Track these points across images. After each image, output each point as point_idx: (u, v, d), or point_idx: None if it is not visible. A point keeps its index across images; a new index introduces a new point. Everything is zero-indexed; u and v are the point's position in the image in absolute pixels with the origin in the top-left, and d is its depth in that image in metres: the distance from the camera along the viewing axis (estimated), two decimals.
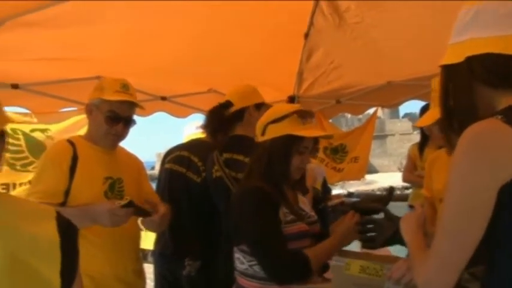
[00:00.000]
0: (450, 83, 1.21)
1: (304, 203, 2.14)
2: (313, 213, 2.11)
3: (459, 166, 1.09)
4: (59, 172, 2.16)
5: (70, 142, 2.29)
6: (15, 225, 1.07)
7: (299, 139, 1.96)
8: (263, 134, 2.03)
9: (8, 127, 3.47)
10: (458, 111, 1.19)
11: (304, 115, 2.02)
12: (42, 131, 3.50)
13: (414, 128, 46.79)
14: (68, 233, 1.08)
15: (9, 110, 3.56)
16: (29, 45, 2.89)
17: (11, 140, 3.38)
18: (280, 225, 1.90)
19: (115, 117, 2.27)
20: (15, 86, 3.29)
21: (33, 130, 3.51)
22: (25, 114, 3.61)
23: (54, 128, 3.62)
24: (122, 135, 2.35)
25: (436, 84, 1.66)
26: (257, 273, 1.92)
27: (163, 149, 27.13)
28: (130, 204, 2.07)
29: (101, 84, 2.35)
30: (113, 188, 2.27)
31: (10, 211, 1.10)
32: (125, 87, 2.30)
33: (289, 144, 1.96)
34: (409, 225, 1.42)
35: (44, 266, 1.02)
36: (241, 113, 2.63)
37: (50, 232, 1.04)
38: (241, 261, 1.98)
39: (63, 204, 2.15)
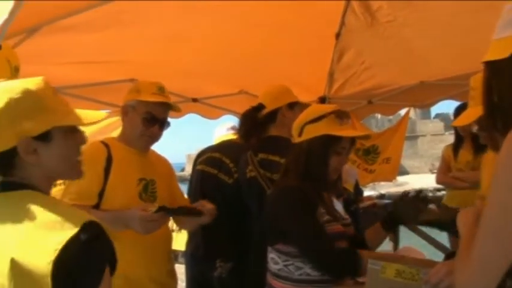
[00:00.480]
0: (494, 80, 1.16)
1: (338, 205, 2.12)
2: (347, 216, 2.09)
3: (504, 166, 1.05)
4: (94, 173, 2.15)
5: (104, 143, 2.30)
6: (27, 230, 1.10)
7: (337, 139, 1.95)
8: (300, 134, 2.03)
9: None
10: (503, 109, 1.14)
11: (341, 115, 2.00)
12: None
13: (446, 128, 45.97)
14: (86, 248, 1.06)
15: None
16: (65, 49, 2.94)
17: None
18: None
19: (151, 119, 2.29)
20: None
21: None
22: None
23: (88, 130, 3.66)
24: (157, 137, 2.37)
25: (475, 82, 1.62)
26: (291, 274, 1.93)
27: (193, 151, 27.31)
28: (161, 209, 2.07)
29: (137, 86, 2.38)
30: (147, 190, 2.28)
31: (31, 214, 1.12)
32: (161, 89, 2.32)
33: (327, 145, 1.95)
34: (467, 219, 1.38)
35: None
36: (273, 115, 2.62)
37: (50, 249, 1.03)
38: (276, 261, 1.98)
39: (97, 205, 2.16)
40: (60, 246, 1.03)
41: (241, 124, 2.70)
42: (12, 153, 1.19)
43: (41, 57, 2.91)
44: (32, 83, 1.22)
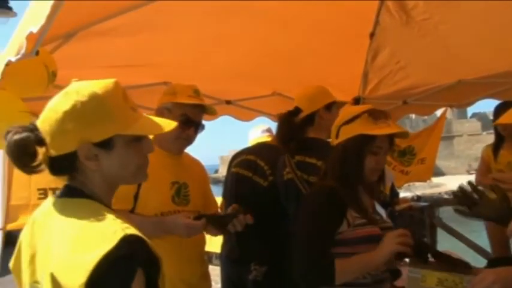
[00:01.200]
0: None
1: (380, 209, 2.08)
2: (388, 220, 2.05)
3: None
4: None
5: None
6: (68, 245, 1.08)
7: (371, 138, 1.92)
8: (337, 136, 2.02)
9: None
10: None
11: (376, 114, 1.96)
12: None
13: (484, 128, 44.81)
14: (117, 266, 1.02)
15: None
16: (100, 53, 2.98)
17: None
18: (336, 228, 1.88)
19: (187, 121, 2.28)
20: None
21: None
22: None
23: None
24: (191, 140, 2.37)
25: None
26: None
27: (226, 152, 27.45)
28: (201, 216, 2.13)
29: (173, 89, 2.37)
30: (179, 193, 2.28)
31: (77, 228, 1.10)
32: (196, 92, 2.34)
33: (361, 145, 1.93)
34: None
35: None
36: (311, 118, 2.60)
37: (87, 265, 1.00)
38: None
39: (132, 209, 2.17)
40: (92, 266, 0.99)
41: (280, 130, 2.69)
42: (73, 156, 1.17)
43: (77, 62, 2.96)
44: (101, 86, 1.19)
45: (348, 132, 1.96)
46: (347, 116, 2.00)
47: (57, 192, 1.25)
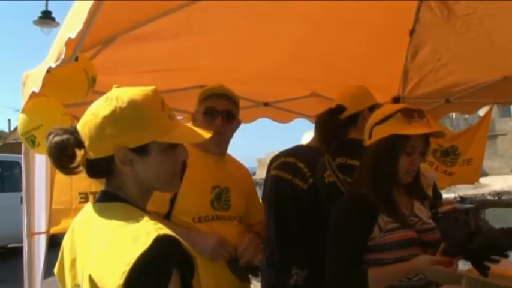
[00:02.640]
0: None
1: (421, 210, 2.00)
2: (430, 221, 1.97)
3: None
4: None
5: None
6: (105, 248, 1.10)
7: (405, 138, 1.86)
8: (370, 137, 1.97)
9: None
10: None
11: (410, 113, 1.89)
12: None
13: None
14: (153, 267, 1.03)
15: None
16: (138, 58, 3.00)
17: None
18: (367, 235, 1.84)
19: (212, 112, 2.26)
20: None
21: None
22: None
23: None
24: (224, 133, 2.30)
25: None
26: None
27: (264, 155, 27.47)
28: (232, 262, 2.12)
29: (200, 92, 2.39)
30: (220, 198, 2.23)
31: (112, 231, 1.12)
32: (222, 86, 2.33)
33: (395, 145, 1.87)
34: None
35: None
36: (355, 118, 2.54)
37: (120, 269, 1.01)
38: None
39: (169, 213, 2.15)
40: (128, 268, 1.00)
41: (321, 128, 2.63)
42: (109, 160, 1.20)
43: (116, 68, 3.00)
44: (140, 93, 1.22)
45: (381, 133, 1.91)
46: (380, 116, 1.95)
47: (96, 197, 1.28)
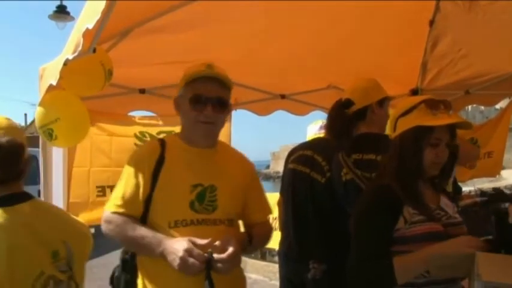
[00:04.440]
0: None
1: (448, 204, 1.96)
2: (456, 215, 1.92)
3: None
4: (141, 178, 1.90)
5: (161, 141, 2.02)
6: None
7: (429, 130, 1.80)
8: (395, 129, 1.92)
9: (137, 130, 3.62)
10: None
11: (434, 104, 1.82)
12: (168, 133, 3.61)
13: None
14: None
15: (137, 114, 3.74)
16: (154, 50, 2.99)
17: (139, 143, 3.53)
18: (392, 226, 1.78)
19: (200, 99, 1.92)
20: (142, 91, 3.45)
21: (159, 132, 3.63)
22: (151, 118, 3.76)
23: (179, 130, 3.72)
24: (215, 122, 1.97)
25: None
26: None
27: (277, 148, 27.34)
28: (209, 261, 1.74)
29: (184, 72, 2.02)
30: (202, 198, 1.90)
31: None
32: (210, 66, 1.96)
33: (419, 137, 1.81)
34: None
35: None
36: (363, 112, 2.50)
37: None
38: None
39: (144, 215, 1.91)
40: None
41: (332, 123, 2.59)
42: None
43: (132, 60, 2.99)
44: None
45: (405, 125, 1.85)
46: (404, 108, 1.90)
47: None
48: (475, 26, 3.44)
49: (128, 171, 1.95)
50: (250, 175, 2.14)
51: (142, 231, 1.83)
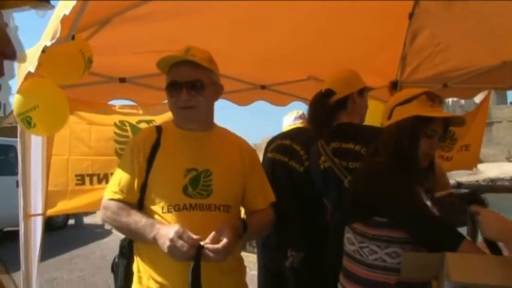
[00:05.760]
0: None
1: (425, 198, 2.00)
2: (435, 209, 1.97)
3: None
4: (136, 164, 1.91)
5: (157, 127, 2.03)
6: None
7: (427, 120, 1.85)
8: (390, 117, 1.94)
9: (117, 119, 3.59)
10: None
11: (433, 98, 1.89)
12: (148, 122, 3.60)
13: None
14: None
15: (117, 103, 3.73)
16: (135, 39, 2.97)
17: (119, 131, 3.52)
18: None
19: (174, 85, 1.91)
20: (122, 80, 3.43)
21: (139, 121, 3.62)
22: (131, 107, 3.75)
23: (159, 119, 3.69)
24: (195, 106, 1.92)
25: None
26: (365, 258, 1.86)
27: (259, 140, 27.30)
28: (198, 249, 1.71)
29: (158, 61, 1.98)
30: (197, 183, 1.88)
31: None
32: (187, 50, 1.95)
33: (417, 126, 1.86)
34: None
35: None
36: (344, 101, 2.53)
37: None
38: (352, 241, 1.93)
39: (140, 201, 1.91)
40: None
41: (313, 112, 2.62)
42: None
43: (113, 49, 2.97)
44: None
45: (403, 113, 1.89)
46: (403, 97, 1.94)
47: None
48: (453, 20, 3.49)
49: (125, 158, 1.99)
50: (249, 160, 2.09)
51: (136, 217, 1.84)
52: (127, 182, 1.91)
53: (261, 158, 3.05)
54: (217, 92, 2.04)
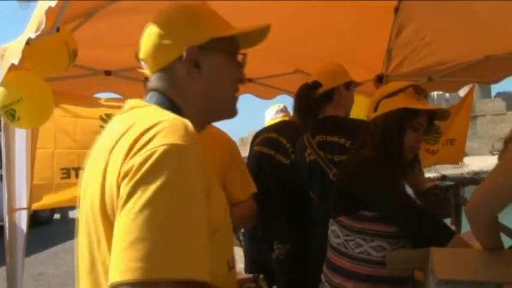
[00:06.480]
0: None
1: (409, 190, 2.03)
2: (417, 201, 2.00)
3: None
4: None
5: None
6: None
7: (414, 113, 1.88)
8: (376, 109, 1.96)
9: (102, 112, 3.53)
10: None
11: (420, 91, 1.91)
12: None
13: (509, 107, 43.92)
14: None
15: (103, 96, 3.70)
16: (121, 31, 2.93)
17: (105, 125, 3.49)
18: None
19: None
20: (108, 73, 3.41)
21: None
22: (117, 100, 3.72)
23: None
24: None
25: None
26: (350, 251, 1.88)
27: (246, 134, 27.28)
28: None
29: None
30: None
31: None
32: None
33: (404, 119, 1.88)
34: None
35: None
36: (331, 94, 2.55)
37: None
38: (337, 234, 1.94)
39: None
40: None
41: (298, 103, 2.63)
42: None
43: (98, 41, 2.94)
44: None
45: (390, 106, 1.91)
46: (390, 90, 1.96)
47: None
48: (438, 14, 3.52)
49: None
50: (229, 152, 2.10)
51: None
52: None
53: (247, 151, 3.06)
54: None
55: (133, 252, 0.83)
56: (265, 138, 2.90)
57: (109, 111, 3.58)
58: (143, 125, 0.95)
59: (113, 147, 0.97)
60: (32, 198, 3.06)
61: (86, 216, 1.02)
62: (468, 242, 1.73)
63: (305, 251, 2.55)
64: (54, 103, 2.68)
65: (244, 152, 3.16)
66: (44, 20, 1.71)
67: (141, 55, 1.21)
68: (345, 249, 1.89)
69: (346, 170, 2.03)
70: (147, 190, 0.86)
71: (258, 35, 1.28)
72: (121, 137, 0.97)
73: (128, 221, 0.85)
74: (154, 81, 1.19)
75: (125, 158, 0.91)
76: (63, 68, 2.49)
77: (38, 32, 1.79)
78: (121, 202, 0.88)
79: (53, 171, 3.23)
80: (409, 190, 1.97)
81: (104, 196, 0.94)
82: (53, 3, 1.61)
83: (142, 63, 1.23)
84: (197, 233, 0.89)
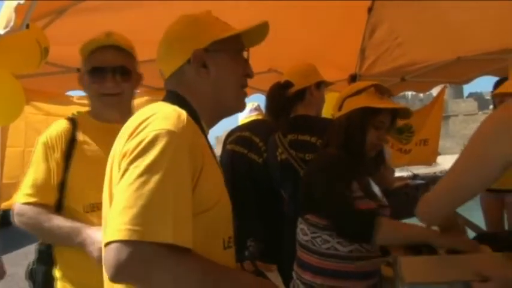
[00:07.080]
0: None
1: (375, 187, 2.06)
2: (384, 199, 2.03)
3: None
4: (52, 162, 1.79)
5: (71, 120, 1.89)
6: None
7: (375, 112, 1.91)
8: (340, 108, 2.00)
9: (75, 110, 3.49)
10: None
11: (382, 90, 1.97)
12: None
13: (480, 108, 44.83)
14: None
15: (75, 94, 3.65)
16: (93, 29, 2.87)
17: None
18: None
19: (99, 71, 1.81)
20: (80, 70, 3.36)
21: None
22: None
23: None
24: (120, 93, 1.84)
25: None
26: (318, 247, 1.91)
27: (221, 133, 27.24)
28: None
29: (82, 45, 1.89)
30: None
31: None
32: (109, 36, 1.86)
33: (365, 117, 1.92)
34: None
35: None
36: (302, 93, 2.57)
37: None
38: (305, 232, 1.97)
39: (59, 201, 1.79)
40: None
41: (270, 102, 2.65)
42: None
43: (70, 38, 2.88)
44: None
45: (353, 105, 1.95)
46: (353, 89, 2.00)
47: None
48: (410, 15, 3.58)
49: (37, 156, 1.83)
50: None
51: (58, 221, 1.73)
52: (42, 181, 1.78)
53: (221, 150, 3.06)
54: (138, 81, 1.96)
55: (124, 217, 0.99)
56: (238, 136, 2.90)
57: (81, 109, 3.53)
58: (143, 115, 1.13)
59: (119, 137, 1.18)
60: (1, 197, 3.01)
61: (104, 200, 1.22)
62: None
63: (278, 250, 2.56)
64: (24, 101, 2.64)
65: (220, 150, 3.16)
66: (13, 17, 1.68)
67: (157, 63, 1.35)
68: (313, 246, 1.93)
69: (311, 169, 2.06)
70: (137, 167, 1.03)
71: (259, 32, 1.44)
72: (127, 126, 1.16)
73: (121, 192, 1.03)
74: (168, 83, 1.33)
75: (125, 143, 1.10)
76: (34, 65, 2.45)
77: (8, 29, 1.75)
78: (119, 178, 1.07)
79: (23, 170, 3.17)
80: (375, 188, 2.01)
81: (111, 177, 1.16)
82: (22, 1, 1.59)
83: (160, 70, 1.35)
84: (180, 205, 1.05)
